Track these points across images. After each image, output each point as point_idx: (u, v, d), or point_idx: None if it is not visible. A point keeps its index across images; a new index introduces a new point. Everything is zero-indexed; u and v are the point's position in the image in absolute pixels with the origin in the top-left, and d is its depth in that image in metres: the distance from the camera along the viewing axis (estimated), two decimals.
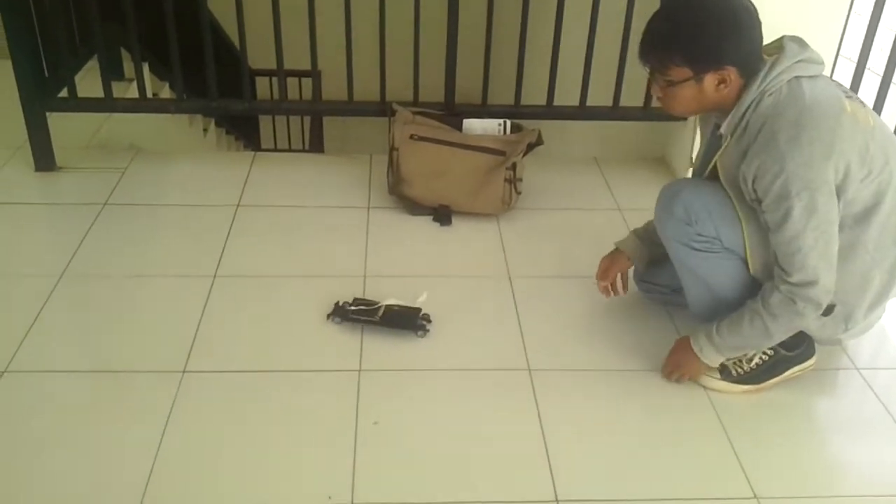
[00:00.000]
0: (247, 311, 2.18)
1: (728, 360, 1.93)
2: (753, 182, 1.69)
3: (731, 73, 1.68)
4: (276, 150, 6.11)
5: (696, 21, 1.66)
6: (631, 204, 2.75)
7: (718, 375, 1.95)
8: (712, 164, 1.84)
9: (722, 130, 1.78)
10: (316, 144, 6.00)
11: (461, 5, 2.71)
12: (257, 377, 1.95)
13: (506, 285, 2.32)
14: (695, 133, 2.02)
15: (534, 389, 1.93)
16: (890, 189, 1.73)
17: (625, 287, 2.17)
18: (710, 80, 1.68)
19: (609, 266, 2.15)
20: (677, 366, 1.95)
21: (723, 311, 1.89)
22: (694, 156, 2.06)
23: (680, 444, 1.82)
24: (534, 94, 2.93)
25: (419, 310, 2.16)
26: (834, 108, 1.66)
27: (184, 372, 1.94)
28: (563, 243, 2.56)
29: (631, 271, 2.19)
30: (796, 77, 1.68)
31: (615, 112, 2.94)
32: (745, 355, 1.94)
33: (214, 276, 2.29)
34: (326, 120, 5.86)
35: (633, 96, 2.90)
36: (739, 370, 1.94)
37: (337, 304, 2.15)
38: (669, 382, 1.97)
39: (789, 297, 1.73)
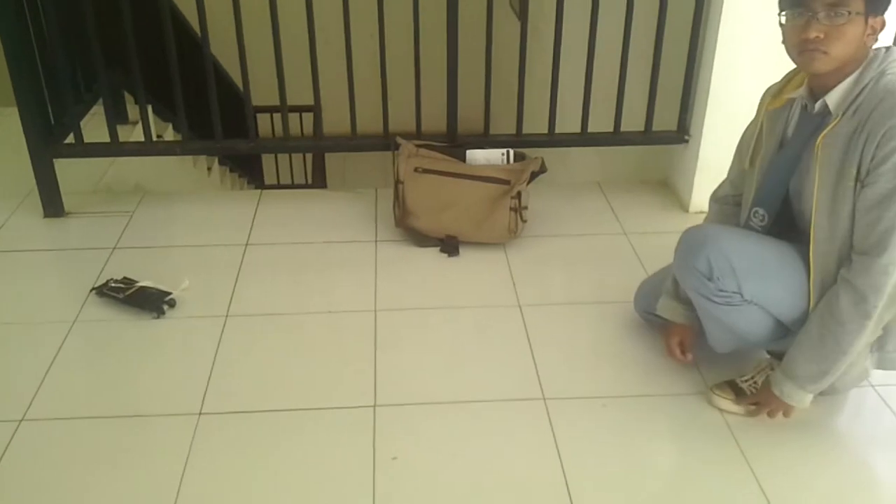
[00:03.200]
0: (260, 350, 2.18)
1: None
2: (876, 148, 1.62)
3: (881, 25, 1.67)
4: (279, 185, 6.16)
5: None
6: (636, 228, 2.76)
7: (733, 397, 1.94)
8: (815, 144, 1.74)
9: (831, 106, 1.72)
10: (319, 179, 6.05)
11: (461, 37, 2.75)
12: (273, 416, 1.95)
13: (516, 314, 2.33)
14: (755, 133, 1.94)
15: (550, 419, 1.93)
16: None
17: (686, 352, 2.07)
18: (870, 23, 1.65)
19: (676, 340, 2.07)
20: (766, 405, 1.89)
21: (746, 347, 1.89)
22: (748, 155, 1.97)
23: (698, 469, 1.81)
24: (535, 123, 2.96)
25: (168, 294, 2.31)
26: None
27: (200, 414, 1.94)
28: (570, 269, 2.57)
29: (624, 310, 2.24)
30: None
31: (616, 137, 2.96)
32: (759, 377, 1.94)
33: (227, 316, 2.30)
34: (328, 154, 5.92)
35: (633, 121, 2.92)
36: (754, 390, 1.94)
37: (106, 281, 2.37)
38: (684, 407, 1.97)
39: (863, 291, 1.67)
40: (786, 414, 1.87)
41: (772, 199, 1.90)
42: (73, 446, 1.86)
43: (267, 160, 6.32)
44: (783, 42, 1.73)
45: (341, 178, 6.23)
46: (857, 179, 1.67)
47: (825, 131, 1.72)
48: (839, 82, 1.71)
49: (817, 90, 1.76)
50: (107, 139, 2.81)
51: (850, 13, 1.62)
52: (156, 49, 2.75)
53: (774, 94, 1.91)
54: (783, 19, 1.71)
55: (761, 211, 1.91)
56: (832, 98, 1.72)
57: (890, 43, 1.76)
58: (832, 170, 1.71)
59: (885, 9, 1.67)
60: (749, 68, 2.54)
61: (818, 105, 1.76)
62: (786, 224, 1.88)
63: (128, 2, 2.58)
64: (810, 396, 1.83)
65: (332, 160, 6.19)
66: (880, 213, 1.64)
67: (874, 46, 1.72)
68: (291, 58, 2.77)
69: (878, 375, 2.04)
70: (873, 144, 1.63)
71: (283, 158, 6.39)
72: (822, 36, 1.64)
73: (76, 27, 2.72)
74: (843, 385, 1.87)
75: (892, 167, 1.62)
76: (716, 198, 2.16)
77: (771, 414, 1.88)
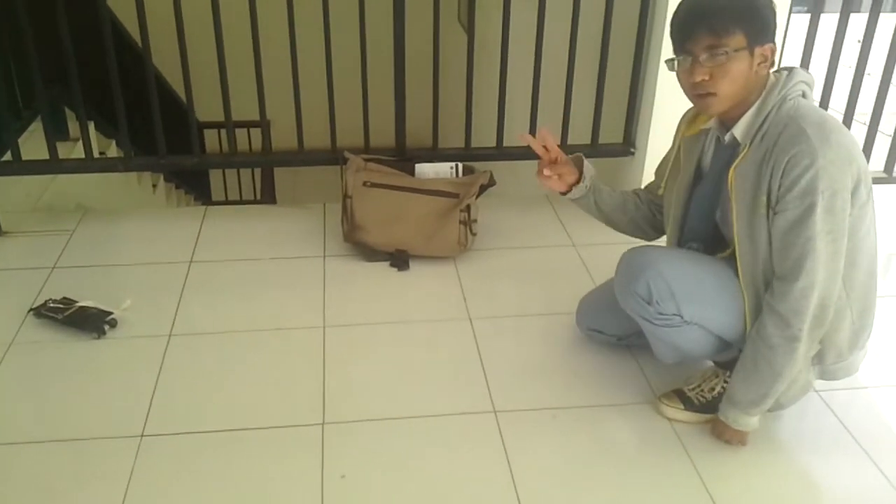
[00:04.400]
0: (205, 369, 2.13)
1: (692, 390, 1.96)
2: (781, 177, 1.65)
3: (771, 52, 1.70)
4: (227, 202, 6.08)
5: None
6: (585, 240, 2.78)
7: (682, 406, 1.96)
8: (728, 175, 1.77)
9: (738, 137, 1.76)
10: (268, 195, 6.00)
11: (408, 51, 2.74)
12: (218, 437, 1.90)
13: (467, 327, 2.32)
14: (670, 158, 2.00)
15: (500, 431, 1.92)
16: (862, 226, 1.75)
17: (558, 160, 2.06)
18: (757, 54, 1.68)
19: (562, 161, 2.07)
20: (721, 436, 1.91)
21: (691, 361, 1.94)
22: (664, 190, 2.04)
23: (648, 478, 1.82)
24: (484, 136, 2.97)
25: (109, 314, 2.27)
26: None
27: (142, 436, 1.88)
28: (520, 282, 2.57)
29: (573, 321, 2.25)
30: (805, 93, 1.73)
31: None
32: (706, 384, 1.96)
33: (170, 336, 2.24)
34: (277, 170, 5.86)
35: (580, 134, 2.95)
36: (701, 399, 1.96)
37: (45, 301, 2.32)
38: (633, 416, 1.98)
39: (785, 316, 1.71)
40: (741, 441, 1.89)
41: (702, 231, 1.94)
42: (9, 473, 1.79)
43: (215, 176, 6.24)
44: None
45: (291, 194, 6.17)
46: (768, 207, 1.71)
47: (736, 162, 1.76)
48: (743, 113, 1.75)
49: (726, 121, 1.81)
50: (46, 156, 2.73)
51: (728, 52, 1.65)
52: (96, 63, 2.69)
53: (689, 120, 1.94)
54: (675, 65, 1.74)
55: (695, 245, 1.95)
56: (738, 129, 1.77)
57: (793, 64, 1.79)
58: (746, 199, 1.74)
59: (772, 36, 1.70)
60: None
61: (727, 136, 1.81)
62: (721, 247, 1.91)
63: (65, 15, 2.52)
64: (756, 419, 1.85)
65: (281, 176, 6.14)
66: (792, 238, 1.68)
67: (774, 70, 1.75)
68: (238, 73, 2.75)
69: (821, 381, 2.07)
70: (779, 172, 1.66)
71: (231, 174, 6.32)
72: (707, 78, 1.68)
73: (13, 40, 2.65)
74: (787, 400, 1.90)
75: (798, 194, 1.65)
76: (627, 190, 2.18)
77: (729, 441, 1.89)
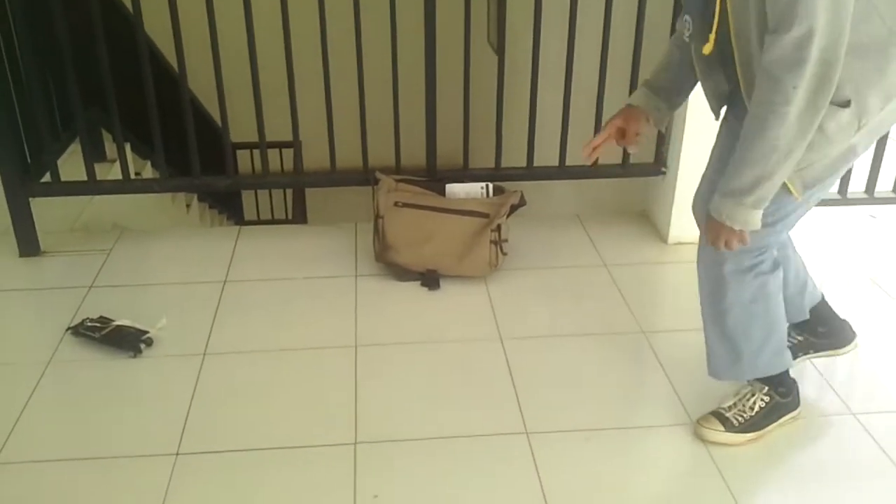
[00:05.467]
0: (238, 388, 2.15)
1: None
2: None
3: None
4: (259, 221, 6.14)
5: None
6: (615, 259, 2.77)
7: (722, 428, 1.93)
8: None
9: None
10: (299, 214, 6.05)
11: (439, 72, 2.77)
12: (252, 455, 1.91)
13: (498, 347, 2.32)
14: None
15: (533, 454, 1.91)
16: None
17: (633, 139, 1.94)
18: None
19: (624, 123, 1.92)
20: (715, 239, 1.68)
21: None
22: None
23: (683, 503, 1.80)
24: (514, 156, 2.97)
25: (145, 332, 2.29)
26: None
27: (177, 454, 1.90)
28: (551, 302, 2.57)
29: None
30: None
31: (594, 170, 2.97)
32: (744, 403, 1.94)
33: (204, 354, 2.27)
34: (309, 190, 5.91)
35: (611, 154, 2.94)
36: (740, 419, 1.93)
37: (82, 320, 2.35)
38: (667, 439, 1.96)
39: (776, 73, 1.48)
40: (741, 240, 1.65)
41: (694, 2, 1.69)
42: (47, 490, 1.82)
43: (247, 196, 6.31)
44: None
45: (322, 213, 6.21)
46: None
47: None
48: None
49: None
50: (84, 177, 2.79)
51: None
52: (133, 86, 2.75)
53: None
54: None
55: (687, 17, 1.71)
56: None
57: None
58: None
59: None
60: None
61: None
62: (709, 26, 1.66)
63: (104, 40, 2.58)
64: (757, 215, 1.62)
65: (312, 195, 6.19)
66: None
67: None
68: (270, 94, 2.78)
69: (856, 404, 2.05)
70: None
71: (262, 194, 6.39)
72: None
73: (53, 65, 2.71)
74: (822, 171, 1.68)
75: None
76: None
77: (727, 245, 1.66)
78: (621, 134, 1.94)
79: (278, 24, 2.64)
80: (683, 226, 2.84)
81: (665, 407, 2.06)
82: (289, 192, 6.43)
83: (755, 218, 1.62)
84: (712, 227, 1.67)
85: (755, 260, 1.82)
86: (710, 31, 1.60)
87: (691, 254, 1.96)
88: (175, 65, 2.73)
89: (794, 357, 2.08)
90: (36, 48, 2.62)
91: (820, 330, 2.16)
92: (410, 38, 2.78)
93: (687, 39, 1.72)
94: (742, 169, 1.58)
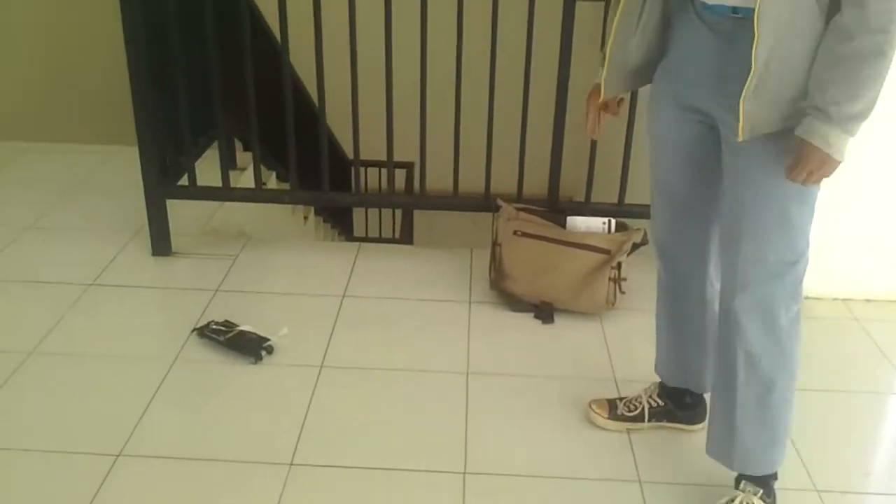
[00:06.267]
0: (352, 403, 2.18)
1: None
2: None
3: None
4: (367, 238, 6.25)
5: None
6: None
7: (606, 414, 2.08)
8: None
9: None
10: (406, 233, 6.12)
11: (570, 102, 2.75)
12: (363, 474, 1.93)
13: (611, 388, 2.27)
14: None
15: (643, 495, 1.85)
16: None
17: (616, 108, 1.88)
18: None
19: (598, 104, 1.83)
20: (812, 171, 1.48)
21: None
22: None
23: None
24: (638, 193, 2.91)
25: (266, 340, 2.34)
26: None
27: (291, 465, 1.94)
28: None
29: None
30: None
31: None
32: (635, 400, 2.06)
33: (321, 367, 2.31)
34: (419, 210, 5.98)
35: None
36: (627, 411, 2.07)
37: (208, 322, 2.42)
38: None
39: (875, 13, 1.36)
40: (826, 173, 1.49)
41: None
42: (166, 486, 1.88)
43: (357, 213, 6.44)
44: None
45: (428, 234, 6.27)
46: None
47: None
48: None
49: None
50: (216, 183, 2.90)
51: None
52: (268, 99, 2.85)
53: None
54: None
55: None
56: None
57: None
58: None
59: None
60: None
61: None
62: None
63: (251, 59, 2.69)
64: (847, 147, 1.47)
65: (421, 216, 6.26)
66: None
67: None
68: (396, 113, 2.82)
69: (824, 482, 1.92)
70: None
71: (373, 212, 6.50)
72: None
73: (200, 74, 2.83)
74: None
75: None
76: None
77: (811, 176, 1.49)
78: (604, 106, 1.86)
79: (414, 44, 2.67)
80: (813, 278, 2.70)
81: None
82: (398, 211, 6.53)
83: (846, 150, 1.47)
84: (811, 157, 1.46)
85: (800, 278, 1.65)
86: None
87: (822, 309, 1.87)
88: (312, 92, 2.81)
89: (647, 421, 2.08)
90: (186, 59, 2.75)
91: (688, 401, 2.06)
92: (544, 68, 2.78)
93: None
94: (860, 91, 1.42)
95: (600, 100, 1.81)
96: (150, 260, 2.88)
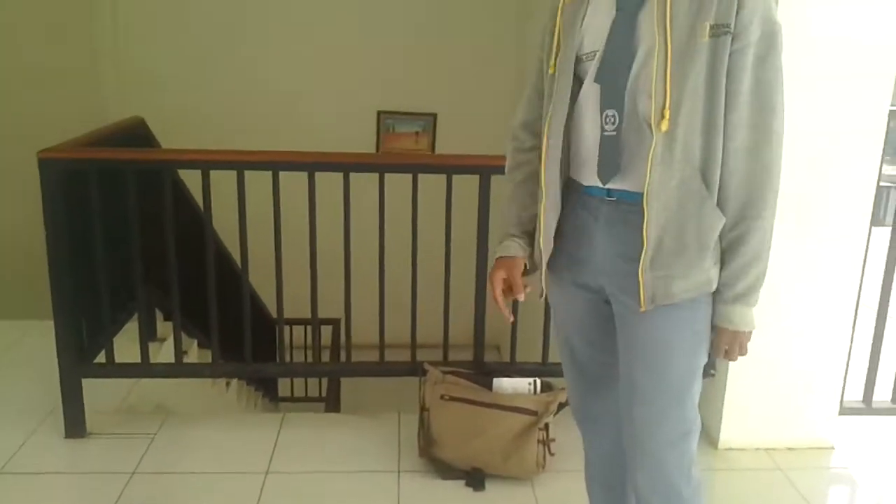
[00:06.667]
0: None
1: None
2: (738, 4, 1.48)
3: None
4: (293, 398, 6.11)
5: None
6: None
7: None
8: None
9: None
10: (333, 393, 6.02)
11: (489, 264, 2.83)
12: None
13: None
14: (553, 34, 1.70)
15: None
16: None
17: (521, 288, 1.76)
18: None
19: (507, 274, 1.76)
20: (731, 352, 1.61)
21: None
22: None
23: None
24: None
25: None
26: None
27: None
28: None
29: None
30: None
31: None
32: None
33: None
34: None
35: None
36: None
37: None
38: None
39: (769, 165, 1.52)
40: (743, 350, 1.61)
41: (615, 94, 1.59)
42: None
43: None
44: None
45: (355, 395, 6.18)
46: (714, 34, 1.49)
47: None
48: None
49: None
50: (135, 356, 2.83)
51: None
52: (190, 267, 2.85)
53: None
54: None
55: (611, 112, 1.59)
56: None
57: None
58: (683, 24, 1.50)
59: None
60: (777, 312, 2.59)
61: None
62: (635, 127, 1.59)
63: (173, 231, 2.71)
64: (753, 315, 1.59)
65: (347, 380, 6.19)
66: (762, 75, 1.52)
67: None
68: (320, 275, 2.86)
69: None
70: None
71: None
72: None
73: (120, 246, 2.82)
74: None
75: (761, 19, 1.50)
76: (514, 135, 1.84)
77: (741, 349, 1.61)
78: (508, 287, 1.80)
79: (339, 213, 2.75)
80: (735, 430, 2.79)
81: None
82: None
83: (753, 317, 1.59)
84: (725, 340, 1.59)
85: (694, 446, 1.70)
86: (665, 107, 1.51)
87: (745, 460, 1.90)
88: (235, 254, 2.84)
89: None
90: (104, 230, 2.73)
91: None
92: (463, 234, 2.88)
93: (612, 133, 1.60)
94: (747, 268, 1.55)
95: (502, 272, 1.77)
96: (62, 443, 2.75)
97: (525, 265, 1.79)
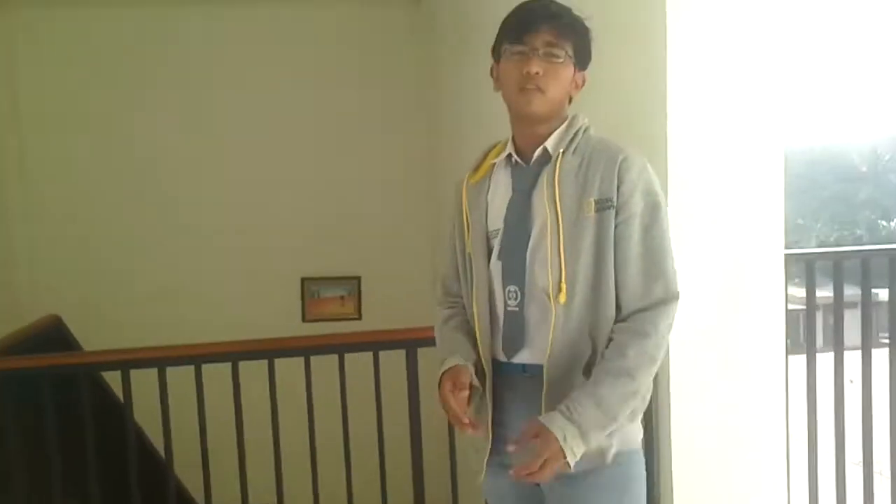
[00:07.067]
0: None
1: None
2: (618, 179, 1.64)
3: (582, 82, 1.77)
4: None
5: (585, 26, 1.75)
6: None
7: None
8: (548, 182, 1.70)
9: (550, 149, 1.72)
10: None
11: (424, 451, 2.81)
12: None
13: None
14: (462, 218, 1.86)
15: None
16: None
17: (466, 385, 1.72)
18: (577, 75, 1.74)
19: (454, 382, 1.72)
20: (546, 461, 1.57)
21: None
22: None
23: None
24: None
25: None
26: None
27: None
28: None
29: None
30: None
31: None
32: None
33: None
34: None
35: None
36: None
37: None
38: None
39: (653, 320, 1.62)
40: (553, 470, 1.57)
41: (516, 270, 1.72)
42: None
43: None
44: (501, 85, 1.76)
45: None
46: (598, 209, 1.65)
47: (554, 170, 1.70)
48: (551, 132, 1.74)
49: (529, 143, 1.76)
50: None
51: (563, 55, 1.70)
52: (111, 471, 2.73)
53: (473, 170, 1.87)
54: (503, 55, 1.73)
55: (513, 287, 1.72)
56: (550, 142, 1.74)
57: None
58: (570, 204, 1.67)
59: (586, 66, 1.77)
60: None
61: (536, 153, 1.74)
62: (536, 300, 1.71)
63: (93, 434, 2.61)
64: (582, 451, 1.58)
65: None
66: (647, 245, 1.66)
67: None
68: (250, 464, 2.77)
69: None
70: (613, 172, 1.65)
71: None
72: (541, 72, 1.68)
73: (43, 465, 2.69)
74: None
75: (642, 194, 1.66)
76: (444, 288, 1.94)
77: (544, 466, 1.56)
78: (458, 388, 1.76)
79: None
80: None
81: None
82: None
83: (580, 451, 1.58)
84: (549, 443, 1.56)
85: None
86: (562, 280, 1.64)
87: None
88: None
89: None
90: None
91: None
92: (397, 428, 2.83)
93: (515, 309, 1.71)
94: (600, 410, 1.58)
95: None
96: None
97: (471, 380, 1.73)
